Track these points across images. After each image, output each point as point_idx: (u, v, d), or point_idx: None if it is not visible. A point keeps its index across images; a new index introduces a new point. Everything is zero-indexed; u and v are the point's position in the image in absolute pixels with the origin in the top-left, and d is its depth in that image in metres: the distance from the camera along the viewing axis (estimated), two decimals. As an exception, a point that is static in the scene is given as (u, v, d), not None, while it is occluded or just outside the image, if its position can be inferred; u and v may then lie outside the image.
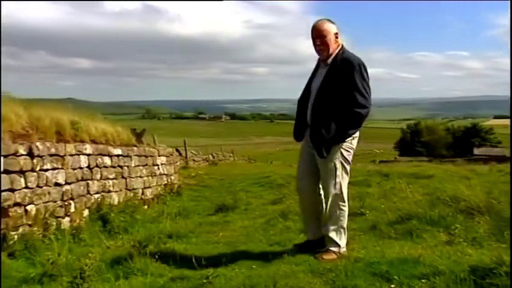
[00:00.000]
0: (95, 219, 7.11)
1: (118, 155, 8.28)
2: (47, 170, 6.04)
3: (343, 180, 4.10)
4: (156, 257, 4.55)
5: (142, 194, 9.27)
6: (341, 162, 4.07)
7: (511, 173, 9.50)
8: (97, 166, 7.46)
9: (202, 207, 9.24)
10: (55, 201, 6.22)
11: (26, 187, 5.61)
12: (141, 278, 3.96)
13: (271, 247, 4.89)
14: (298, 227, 5.60)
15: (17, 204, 5.42)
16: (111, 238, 6.43)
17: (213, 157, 25.64)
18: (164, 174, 10.67)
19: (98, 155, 7.54)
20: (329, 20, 4.12)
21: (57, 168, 6.30)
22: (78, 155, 6.91)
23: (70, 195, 6.58)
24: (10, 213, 5.29)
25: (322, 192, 4.25)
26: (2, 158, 3.04)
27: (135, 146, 9.38)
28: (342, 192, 4.10)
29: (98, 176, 7.50)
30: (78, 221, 6.72)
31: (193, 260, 4.16)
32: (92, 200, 7.25)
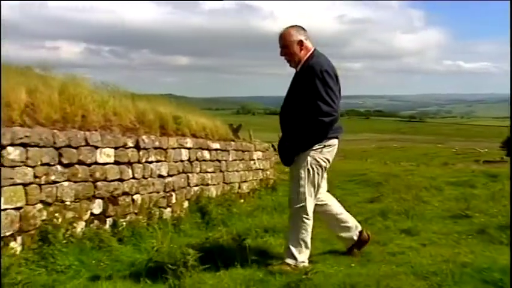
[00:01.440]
0: (194, 211, 7.36)
1: (216, 149, 8.51)
2: (151, 162, 6.37)
3: (308, 191, 3.92)
4: (254, 250, 4.62)
5: (239, 188, 9.45)
6: (308, 171, 3.88)
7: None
8: (197, 159, 7.73)
9: (296, 203, 9.22)
10: (158, 192, 6.54)
11: (133, 178, 5.95)
12: (241, 270, 4.03)
13: (370, 246, 4.75)
14: (398, 227, 5.41)
15: (125, 193, 5.77)
16: (209, 230, 6.63)
17: (307, 153, 25.51)
18: (260, 169, 10.80)
19: (198, 148, 7.80)
20: (296, 27, 4.01)
21: (161, 161, 6.61)
22: (180, 148, 7.20)
23: (172, 187, 6.88)
24: (119, 202, 5.64)
25: (326, 200, 4.26)
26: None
27: (233, 140, 9.58)
28: (305, 204, 3.93)
29: (198, 169, 7.76)
30: (178, 212, 7.01)
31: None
32: (192, 192, 7.52)
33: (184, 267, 3.67)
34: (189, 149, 7.45)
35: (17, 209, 4.28)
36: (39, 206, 4.56)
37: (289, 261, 3.96)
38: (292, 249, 3.97)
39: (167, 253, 4.87)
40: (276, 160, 16.49)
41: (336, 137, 4.01)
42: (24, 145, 4.38)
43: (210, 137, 8.52)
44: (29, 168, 4.45)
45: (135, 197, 5.98)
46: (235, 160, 9.36)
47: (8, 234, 4.15)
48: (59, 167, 4.82)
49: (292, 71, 4.08)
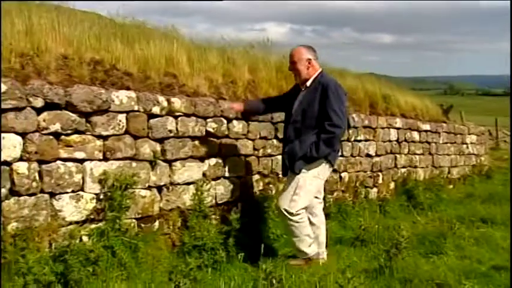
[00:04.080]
0: (400, 193, 7.15)
1: (426, 131, 8.11)
2: (360, 141, 6.34)
3: (302, 200, 3.97)
4: (470, 240, 4.27)
5: (448, 172, 8.88)
6: (308, 182, 3.97)
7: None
8: (405, 140, 7.46)
9: (517, 193, 8.26)
10: (365, 171, 6.49)
11: (342, 155, 5.99)
12: (455, 259, 3.77)
13: None
14: None
15: (333, 170, 5.83)
16: (415, 214, 6.38)
17: (529, 139, 22.67)
18: (473, 154, 9.97)
19: (407, 129, 7.52)
20: (307, 47, 4.15)
21: (369, 140, 6.54)
22: (388, 128, 7.02)
23: (379, 167, 6.76)
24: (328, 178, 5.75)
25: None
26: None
27: (444, 122, 9.00)
28: (296, 211, 3.95)
29: (406, 151, 7.49)
30: (384, 192, 6.88)
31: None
32: (399, 174, 7.31)
33: (396, 249, 3.56)
34: (398, 129, 7.23)
35: (238, 177, 4.66)
36: (257, 176, 4.91)
37: (300, 260, 4.03)
38: (300, 246, 4.05)
39: (375, 233, 4.83)
40: (490, 146, 15.05)
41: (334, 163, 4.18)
42: (246, 119, 4.74)
43: (420, 118, 8.14)
44: (249, 141, 4.81)
45: (342, 174, 6.03)
46: (446, 143, 8.80)
47: (231, 200, 4.57)
48: (274, 141, 5.10)
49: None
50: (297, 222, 4.04)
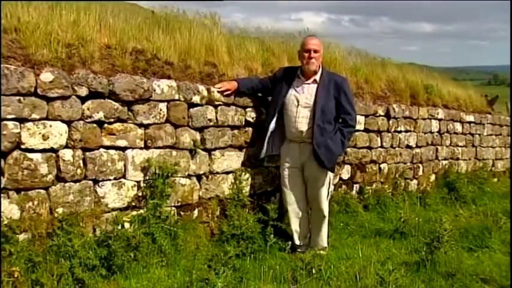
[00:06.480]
0: (441, 186, 7.02)
1: (470, 122, 7.89)
2: (400, 131, 6.22)
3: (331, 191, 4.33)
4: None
5: (493, 165, 8.63)
6: (332, 177, 4.26)
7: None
8: (447, 132, 7.29)
9: None
10: (405, 163, 6.37)
11: (381, 146, 5.91)
12: (501, 255, 3.67)
13: None
14: None
15: (372, 161, 5.78)
16: (457, 207, 6.23)
17: None
18: (519, 146, 9.63)
19: (449, 120, 7.33)
20: None
21: (409, 131, 6.40)
22: (430, 119, 6.86)
23: (419, 159, 6.63)
24: (367, 169, 5.68)
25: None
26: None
27: (489, 113, 8.72)
28: (329, 202, 4.28)
29: (447, 142, 7.32)
30: (424, 185, 6.75)
31: None
32: (440, 166, 7.15)
33: (437, 242, 3.49)
34: (439, 120, 7.06)
35: (277, 167, 4.62)
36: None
37: (322, 252, 4.07)
38: (324, 243, 4.24)
39: (414, 225, 4.76)
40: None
41: None
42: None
43: (463, 109, 7.92)
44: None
45: (382, 165, 5.94)
46: (490, 135, 8.56)
47: (269, 190, 4.58)
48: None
49: None
50: (327, 218, 4.25)
